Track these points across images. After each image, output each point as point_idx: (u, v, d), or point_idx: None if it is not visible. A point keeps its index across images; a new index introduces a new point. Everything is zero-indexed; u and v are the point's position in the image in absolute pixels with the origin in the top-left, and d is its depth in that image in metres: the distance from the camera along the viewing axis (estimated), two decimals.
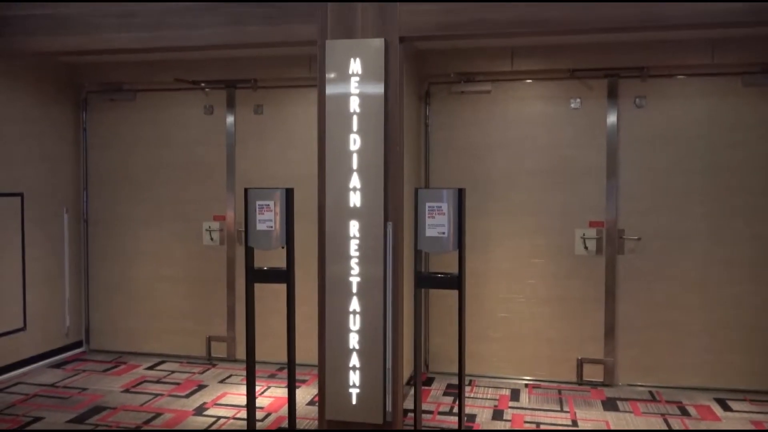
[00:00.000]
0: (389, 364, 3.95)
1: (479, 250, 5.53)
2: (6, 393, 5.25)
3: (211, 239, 6.08)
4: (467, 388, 5.36)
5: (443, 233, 3.82)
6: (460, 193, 3.83)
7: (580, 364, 5.44)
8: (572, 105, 5.43)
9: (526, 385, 5.48)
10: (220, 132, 6.12)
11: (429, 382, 5.54)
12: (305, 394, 5.21)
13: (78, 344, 6.47)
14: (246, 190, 4.10)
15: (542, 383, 5.51)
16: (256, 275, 4.14)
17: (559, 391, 5.32)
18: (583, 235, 5.40)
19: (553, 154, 5.48)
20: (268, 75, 5.86)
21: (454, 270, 3.87)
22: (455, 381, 4.77)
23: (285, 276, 4.09)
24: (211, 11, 4.14)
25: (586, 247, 5.40)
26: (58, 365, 6.03)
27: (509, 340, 5.60)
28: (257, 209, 4.02)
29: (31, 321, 5.87)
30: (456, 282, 3.88)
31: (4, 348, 5.59)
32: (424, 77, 5.64)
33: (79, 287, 6.48)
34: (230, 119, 6.10)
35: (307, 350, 5.06)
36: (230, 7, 4.13)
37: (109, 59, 5.87)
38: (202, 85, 6.02)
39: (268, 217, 4.02)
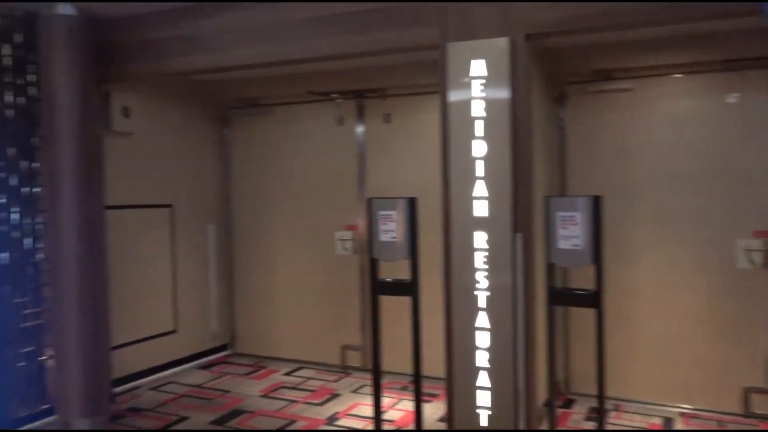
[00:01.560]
0: (521, 385, 3.69)
1: (624, 262, 5.07)
2: (158, 391, 5.62)
3: (344, 249, 6.14)
4: (613, 414, 4.92)
5: (577, 245, 3.51)
6: (596, 202, 3.50)
7: (746, 393, 4.80)
8: (728, 100, 4.82)
9: (681, 414, 4.92)
10: (351, 142, 6.16)
11: (569, 404, 5.16)
12: (436, 409, 5.06)
13: (224, 347, 6.83)
14: (369, 200, 4.05)
15: (700, 413, 4.91)
16: (380, 287, 4.08)
17: (720, 423, 4.73)
18: (747, 246, 4.75)
19: (707, 155, 4.89)
20: (396, 83, 5.82)
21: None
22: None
23: (410, 288, 3.97)
24: (330, 21, 4.14)
25: (750, 260, 4.75)
26: (205, 367, 6.38)
27: (660, 362, 5.06)
28: (380, 219, 3.95)
29: (181, 324, 6.28)
30: (593, 299, 3.54)
31: (157, 349, 6.02)
32: (558, 77, 5.28)
33: (224, 294, 6.83)
34: (360, 129, 6.13)
35: (439, 362, 4.91)
36: (350, 16, 4.10)
37: (246, 75, 6.13)
38: (333, 96, 6.11)
39: (390, 228, 3.93)
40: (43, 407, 4.77)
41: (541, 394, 4.45)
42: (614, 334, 5.13)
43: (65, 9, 4.53)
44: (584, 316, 5.13)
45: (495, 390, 3.72)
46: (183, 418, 4.96)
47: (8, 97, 4.60)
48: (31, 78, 4.71)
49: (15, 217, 4.64)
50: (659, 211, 5.04)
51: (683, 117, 4.98)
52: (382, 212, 3.96)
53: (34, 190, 4.74)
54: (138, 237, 5.83)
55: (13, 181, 4.63)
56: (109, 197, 5.06)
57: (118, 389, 5.46)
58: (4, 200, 4.56)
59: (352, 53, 4.21)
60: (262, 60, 4.44)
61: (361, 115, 6.12)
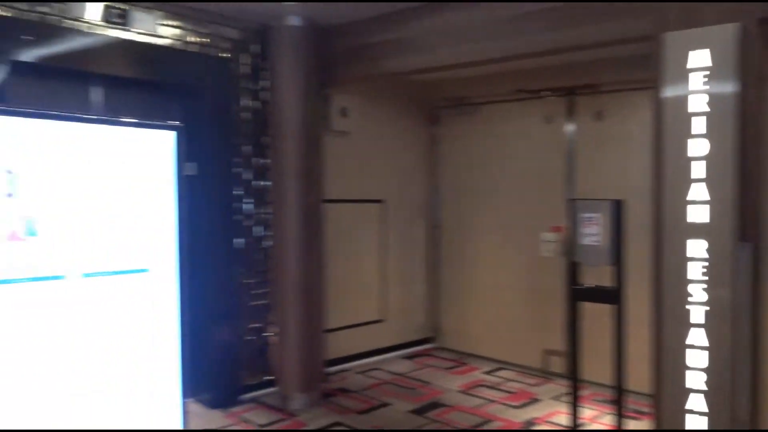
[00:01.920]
0: (743, 412, 3.27)
1: None
2: (366, 376, 5.97)
3: (548, 251, 5.95)
4: None
5: None
6: None
7: None
8: None
9: None
10: (560, 141, 5.94)
11: None
12: (644, 428, 4.69)
13: (428, 340, 7.02)
14: (571, 201, 3.88)
15: None
16: (579, 293, 3.89)
17: None
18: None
19: None
20: (609, 78, 5.47)
21: None
22: None
23: (613, 296, 3.74)
24: (537, 17, 4.03)
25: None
26: (409, 357, 6.63)
27: None
28: (583, 222, 3.76)
29: (388, 315, 6.59)
30: None
31: (366, 336, 6.39)
32: None
33: (430, 288, 7.02)
34: (570, 127, 5.87)
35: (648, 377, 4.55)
36: (559, 10, 3.95)
37: (454, 75, 6.21)
38: (543, 93, 5.94)
39: (594, 231, 3.73)
40: (266, 378, 5.34)
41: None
42: None
43: (293, 20, 5.00)
44: None
45: (711, 416, 3.34)
46: (385, 404, 5.21)
47: (245, 101, 5.21)
48: (264, 84, 5.28)
49: (248, 207, 5.24)
50: None
51: None
52: (586, 214, 3.78)
53: (264, 183, 5.31)
54: (352, 229, 6.24)
55: (247, 175, 5.23)
56: (327, 191, 5.49)
57: (330, 369, 5.90)
58: (240, 192, 5.18)
59: (560, 48, 4.06)
60: (470, 59, 4.48)
61: (570, 113, 5.87)
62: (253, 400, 5.19)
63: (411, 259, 6.86)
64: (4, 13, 3.86)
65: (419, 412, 5.05)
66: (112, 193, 1.99)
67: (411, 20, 4.69)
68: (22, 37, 3.94)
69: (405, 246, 6.79)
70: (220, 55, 5.03)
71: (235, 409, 4.98)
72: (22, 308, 1.79)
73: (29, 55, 3.99)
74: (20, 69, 3.97)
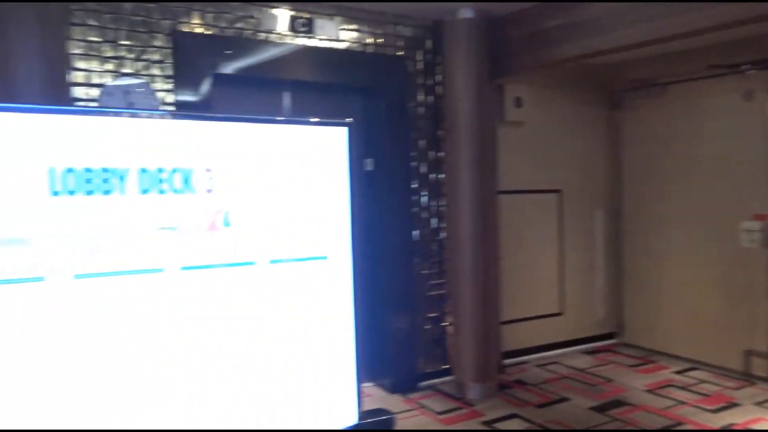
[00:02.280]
0: None
1: None
2: (543, 369, 5.85)
3: (750, 241, 5.37)
4: None
5: None
6: None
7: None
8: None
9: None
10: (761, 120, 5.32)
11: None
12: None
13: (610, 335, 6.68)
14: None
15: None
16: None
17: None
18: None
19: None
20: None
21: None
22: None
23: None
24: None
25: None
26: (589, 352, 6.37)
27: None
28: None
29: (567, 308, 6.39)
30: None
31: (544, 329, 6.25)
32: None
33: (611, 281, 6.68)
34: None
35: None
36: None
37: (635, 55, 5.82)
38: (742, 68, 5.35)
39: None
40: (443, 367, 5.44)
41: None
42: None
43: (465, 13, 5.03)
44: None
45: None
46: (564, 399, 5.07)
47: (420, 97, 5.34)
48: (437, 78, 5.37)
49: (424, 199, 5.38)
50: None
51: None
52: None
53: (439, 176, 5.41)
54: (527, 221, 6.13)
55: (423, 168, 5.37)
56: (501, 183, 5.44)
57: (506, 361, 5.86)
58: (416, 185, 5.33)
59: (755, 17, 3.64)
60: (652, 37, 4.18)
61: None
62: (430, 387, 5.32)
63: (591, 250, 6.57)
64: (208, 32, 4.34)
65: (600, 409, 4.84)
66: (294, 187, 2.17)
67: (585, 1, 4.49)
68: (225, 52, 4.41)
69: (584, 236, 6.52)
70: (395, 53, 5.21)
71: (414, 395, 5.14)
72: (221, 290, 2.02)
73: (229, 67, 4.46)
74: (221, 80, 4.44)
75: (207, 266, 2.02)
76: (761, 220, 5.30)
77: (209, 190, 2.03)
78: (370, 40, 5.08)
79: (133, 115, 2.07)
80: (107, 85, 3.96)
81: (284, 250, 2.15)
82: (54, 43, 3.05)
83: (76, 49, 3.88)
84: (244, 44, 4.51)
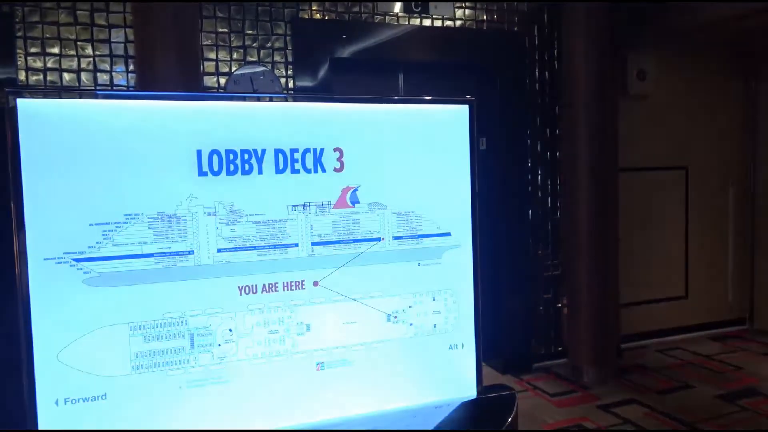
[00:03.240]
0: None
1: None
2: (665, 355, 5.62)
3: None
4: None
5: None
6: None
7: None
8: None
9: None
10: None
11: None
12: None
13: (741, 321, 6.29)
14: None
15: None
16: None
17: None
18: None
19: None
20: None
21: None
22: None
23: None
24: None
25: None
26: (716, 338, 6.03)
27: None
28: None
29: (692, 291, 6.07)
30: None
31: (666, 312, 5.99)
32: None
33: (743, 264, 6.27)
34: None
35: None
36: None
37: None
38: None
39: None
40: (558, 349, 5.37)
41: None
42: None
43: None
44: None
45: None
46: (687, 386, 4.85)
47: (536, 73, 5.24)
48: (554, 53, 5.24)
49: (540, 178, 5.28)
50: None
51: None
52: None
53: (555, 154, 5.29)
54: (650, 199, 5.86)
55: (539, 147, 5.27)
56: (622, 160, 5.24)
57: (624, 345, 5.67)
58: (531, 164, 5.25)
59: None
60: None
61: None
62: (544, 369, 5.26)
63: (719, 231, 6.19)
64: (326, 18, 4.48)
65: (729, 398, 4.59)
66: (417, 166, 2.22)
67: None
68: (342, 36, 4.53)
69: (712, 216, 6.15)
70: (510, 29, 5.13)
71: (526, 376, 5.11)
72: (346, 264, 2.12)
73: (346, 51, 4.58)
74: (338, 64, 4.57)
75: (336, 242, 2.12)
76: None
77: (338, 169, 2.12)
78: (484, 17, 5.02)
79: (260, 99, 2.19)
80: (234, 74, 4.23)
81: (409, 226, 2.21)
82: (188, 37, 3.27)
83: (206, 41, 4.14)
84: (360, 28, 4.60)
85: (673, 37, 5.47)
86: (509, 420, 2.22)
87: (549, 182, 5.30)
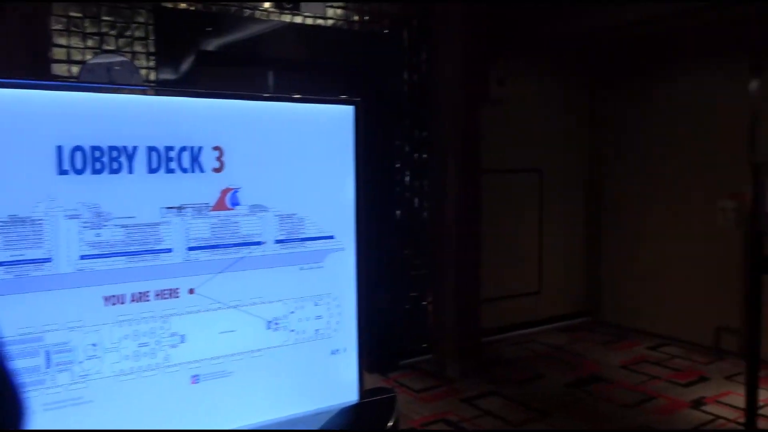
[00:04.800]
0: None
1: None
2: (521, 347, 5.96)
3: (725, 219, 5.52)
4: None
5: None
6: None
7: None
8: None
9: None
10: (742, 100, 5.44)
11: None
12: None
13: (586, 313, 6.83)
14: (756, 165, 3.58)
15: None
16: (764, 265, 3.59)
17: None
18: None
19: None
20: None
21: None
22: None
23: None
24: None
25: None
26: (565, 330, 6.50)
27: None
28: None
29: (544, 286, 6.50)
30: None
31: (522, 307, 6.36)
32: None
33: (590, 260, 6.81)
34: (754, 85, 5.35)
35: None
36: None
37: (620, 35, 5.88)
38: (727, 49, 5.45)
39: None
40: (423, 345, 5.51)
41: None
42: None
43: None
44: None
45: None
46: (540, 375, 5.18)
47: (405, 75, 5.32)
48: (423, 57, 5.35)
49: (408, 179, 5.38)
50: None
51: None
52: None
53: (423, 156, 5.42)
54: (508, 200, 6.19)
55: (407, 148, 5.36)
56: (484, 162, 5.47)
57: (485, 339, 5.94)
58: (400, 165, 5.33)
59: None
60: (637, 17, 4.24)
61: (756, 70, 5.34)
62: (410, 366, 5.38)
63: (569, 229, 6.69)
64: (192, 8, 4.24)
65: (576, 385, 4.97)
66: (300, 166, 2.16)
67: None
68: (208, 28, 4.32)
69: (563, 215, 6.63)
70: (381, 31, 5.17)
71: (393, 374, 5.20)
72: (225, 270, 2.01)
73: (212, 44, 4.37)
74: (205, 57, 4.36)
75: (215, 246, 2.00)
76: (737, 199, 5.45)
77: (217, 169, 2.00)
78: (356, 17, 5.03)
79: (118, 91, 2.01)
80: (88, 62, 3.88)
81: (291, 229, 2.14)
82: (36, 19, 2.94)
83: (56, 25, 3.76)
84: (228, 21, 4.42)
85: (530, 47, 5.81)
86: (390, 423, 2.23)
87: (417, 183, 5.41)
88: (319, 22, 4.82)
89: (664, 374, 5.18)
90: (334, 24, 4.90)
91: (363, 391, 2.33)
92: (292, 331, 2.14)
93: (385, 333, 5.34)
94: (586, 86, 6.69)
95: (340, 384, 2.29)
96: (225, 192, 1.99)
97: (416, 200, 5.42)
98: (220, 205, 1.98)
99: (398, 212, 5.33)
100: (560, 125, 6.56)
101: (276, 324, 2.10)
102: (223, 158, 1.98)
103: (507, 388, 4.89)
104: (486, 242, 5.73)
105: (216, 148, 1.97)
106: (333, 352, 2.24)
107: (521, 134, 6.24)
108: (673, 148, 5.98)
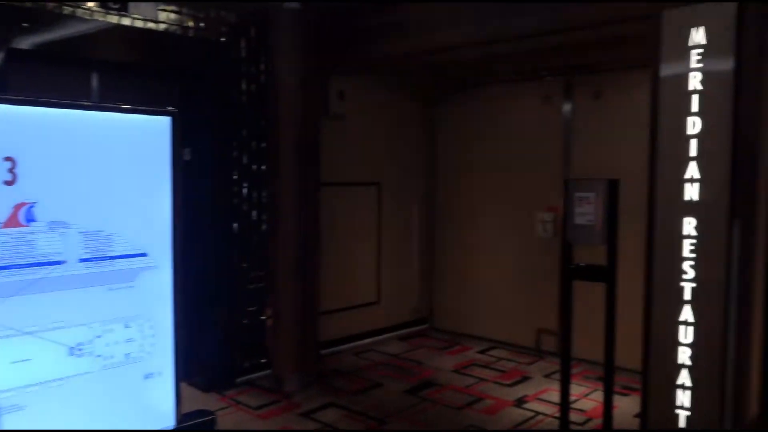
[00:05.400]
0: (729, 388, 3.34)
1: None
2: (360, 357, 6.03)
3: (544, 230, 5.99)
4: None
5: None
6: None
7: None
8: None
9: None
10: (557, 121, 5.96)
11: None
12: (633, 403, 4.77)
13: (422, 321, 7.08)
14: (565, 181, 3.91)
15: None
16: (574, 272, 3.93)
17: None
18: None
19: None
20: (607, 58, 5.48)
21: None
22: None
23: (605, 275, 3.78)
24: None
25: None
26: (403, 338, 6.69)
27: None
28: (576, 201, 3.79)
29: (383, 296, 6.64)
30: None
31: (361, 318, 6.45)
32: None
33: (426, 270, 7.07)
34: (567, 107, 5.90)
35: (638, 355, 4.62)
36: None
37: (452, 57, 6.20)
38: (541, 74, 5.94)
39: (588, 210, 3.76)
40: (262, 360, 5.39)
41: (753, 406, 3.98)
42: None
43: (291, 4, 4.98)
44: None
45: (697, 391, 3.41)
46: (378, 384, 5.27)
47: (243, 86, 5.20)
48: (262, 68, 5.27)
49: (246, 191, 5.25)
50: None
51: None
52: (579, 194, 3.79)
53: (262, 167, 5.32)
54: (348, 212, 6.26)
55: (245, 159, 5.23)
56: (323, 175, 5.50)
57: (324, 351, 5.95)
58: (238, 176, 5.19)
59: (558, 29, 4.06)
60: (468, 40, 4.46)
61: (568, 93, 5.89)
62: (248, 382, 5.24)
63: (406, 241, 6.90)
64: (1, 2, 3.83)
65: (412, 391, 5.11)
66: (109, 179, 2.00)
67: (408, 2, 4.67)
68: (22, 24, 3.92)
69: (400, 228, 6.82)
70: (218, 39, 5.01)
71: (230, 392, 5.03)
72: (19, 293, 1.81)
73: (27, 42, 3.98)
74: (19, 56, 3.95)
75: (6, 267, 1.79)
76: (553, 212, 5.93)
77: (9, 182, 1.80)
78: (191, 23, 4.83)
79: None
80: None
81: (98, 246, 1.97)
82: None
83: None
84: (46, 17, 4.04)
85: (369, 64, 5.93)
86: None
87: (255, 195, 5.30)
88: (150, 25, 4.58)
89: (491, 376, 5.49)
90: (167, 29, 4.67)
91: (180, 416, 2.20)
92: (99, 356, 1.98)
93: (223, 350, 5.16)
94: (422, 103, 6.96)
95: (155, 410, 2.15)
96: (18, 207, 1.79)
97: (255, 212, 5.30)
98: (11, 222, 1.78)
99: (235, 225, 5.18)
100: (399, 140, 6.76)
101: (80, 350, 1.93)
102: (16, 170, 1.79)
103: (346, 399, 4.92)
104: (325, 254, 5.75)
105: (8, 159, 1.78)
106: (146, 377, 2.10)
107: (361, 148, 6.35)
108: (497, 164, 6.40)
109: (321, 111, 5.53)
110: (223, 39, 5.05)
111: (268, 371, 5.33)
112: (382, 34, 4.85)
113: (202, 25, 4.90)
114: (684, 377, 3.44)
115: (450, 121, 6.83)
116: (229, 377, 5.17)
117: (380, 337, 6.60)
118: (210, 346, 5.10)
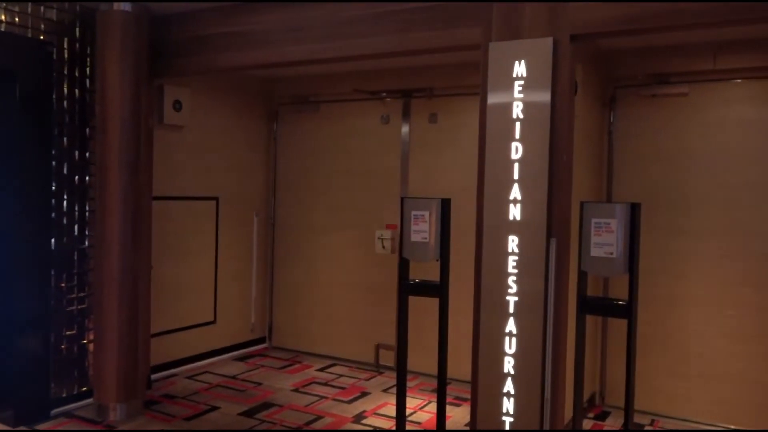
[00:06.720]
0: (548, 394, 3.59)
1: (670, 274, 4.90)
2: (194, 380, 5.74)
3: (383, 247, 6.12)
4: (647, 428, 4.75)
5: (611, 253, 3.39)
6: (634, 210, 3.37)
7: None
8: None
9: None
10: (396, 141, 6.15)
11: (603, 416, 5.01)
12: (465, 413, 4.99)
13: (262, 340, 6.91)
14: (402, 199, 4.02)
15: None
16: (409, 288, 4.04)
17: None
18: None
19: (766, 165, 4.67)
20: (443, 83, 5.78)
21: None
22: (638, 418, 4.25)
23: (438, 290, 3.93)
24: (378, 19, 4.13)
25: None
26: (242, 358, 6.48)
27: (703, 379, 4.86)
28: (412, 219, 3.92)
29: (220, 315, 6.39)
30: (626, 311, 3.41)
31: (197, 338, 6.15)
32: (609, 80, 5.14)
33: (265, 287, 6.92)
34: (405, 128, 6.11)
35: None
36: (397, 15, 4.08)
37: (295, 72, 6.20)
38: (381, 95, 6.10)
39: (422, 228, 3.89)
40: (83, 389, 4.94)
41: (567, 411, 4.32)
42: (654, 347, 4.97)
43: (122, 5, 4.66)
44: (621, 326, 5.01)
45: (520, 398, 3.63)
46: (214, 408, 5.04)
47: (66, 90, 4.78)
48: (88, 71, 4.89)
49: (67, 204, 4.81)
50: (710, 222, 4.84)
51: (740, 124, 4.76)
52: (415, 212, 3.92)
53: (84, 178, 4.91)
54: (183, 228, 5.97)
55: (65, 169, 4.80)
56: (156, 188, 5.20)
57: (155, 376, 5.59)
58: (55, 188, 4.74)
59: (397, 52, 4.18)
60: (311, 57, 4.45)
61: (406, 115, 6.10)
62: (65, 413, 4.76)
63: (245, 258, 6.71)
64: None
65: (250, 413, 4.95)
66: None
67: (251, 14, 4.59)
68: None
69: (239, 244, 6.63)
70: (36, 37, 4.57)
71: (44, 425, 4.54)
72: None
73: None
74: None
75: None
76: (391, 229, 6.08)
77: None
78: (3, 18, 4.36)
79: None
80: None
81: None
82: None
83: None
84: None
85: (203, 74, 5.73)
86: None
87: (77, 208, 4.87)
88: None
89: (331, 393, 5.47)
90: None
91: None
92: None
93: (35, 379, 4.65)
94: (266, 118, 6.86)
95: None
96: None
97: (76, 227, 4.87)
98: None
99: (53, 240, 4.72)
100: (240, 154, 6.60)
101: None
102: None
103: (178, 425, 4.65)
104: (159, 273, 5.43)
105: None
106: None
107: (200, 161, 6.11)
108: (339, 180, 6.46)
109: (154, 120, 5.23)
110: (43, 37, 4.61)
111: (89, 400, 4.88)
112: (224, 43, 4.71)
113: (17, 20, 4.45)
114: (509, 385, 3.65)
115: (293, 136, 6.79)
116: (43, 409, 4.67)
117: (217, 358, 6.34)
118: (19, 375, 4.57)
